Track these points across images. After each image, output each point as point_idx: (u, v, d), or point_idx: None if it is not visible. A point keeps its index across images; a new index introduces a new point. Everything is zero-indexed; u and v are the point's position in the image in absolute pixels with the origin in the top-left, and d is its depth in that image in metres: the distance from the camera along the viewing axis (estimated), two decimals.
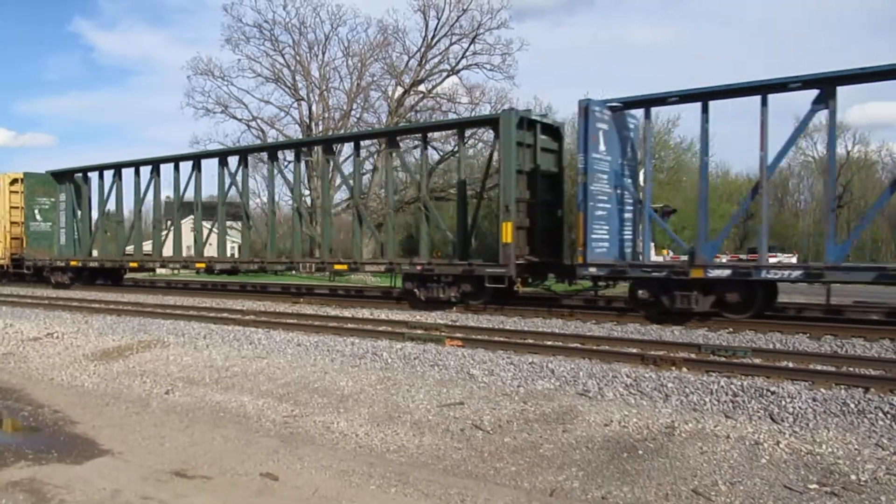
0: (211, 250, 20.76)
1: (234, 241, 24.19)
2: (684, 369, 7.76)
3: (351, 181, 18.34)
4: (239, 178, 19.35)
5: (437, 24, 38.24)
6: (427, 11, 38.03)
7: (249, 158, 19.77)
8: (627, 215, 13.23)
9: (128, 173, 22.20)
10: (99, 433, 6.50)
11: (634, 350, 8.98)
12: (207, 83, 42.46)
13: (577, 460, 5.38)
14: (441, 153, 34.95)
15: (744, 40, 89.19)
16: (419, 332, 10.70)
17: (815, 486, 4.65)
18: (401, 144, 21.17)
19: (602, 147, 12.43)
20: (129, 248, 23.05)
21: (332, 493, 4.83)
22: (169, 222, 23.54)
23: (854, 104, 68.97)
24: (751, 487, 4.68)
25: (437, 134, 28.58)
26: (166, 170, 21.13)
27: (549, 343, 9.64)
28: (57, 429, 6.75)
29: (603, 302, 14.43)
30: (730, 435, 5.61)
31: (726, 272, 11.07)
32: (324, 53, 40.17)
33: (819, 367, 7.69)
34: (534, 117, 14.72)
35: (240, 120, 41.08)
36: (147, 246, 24.18)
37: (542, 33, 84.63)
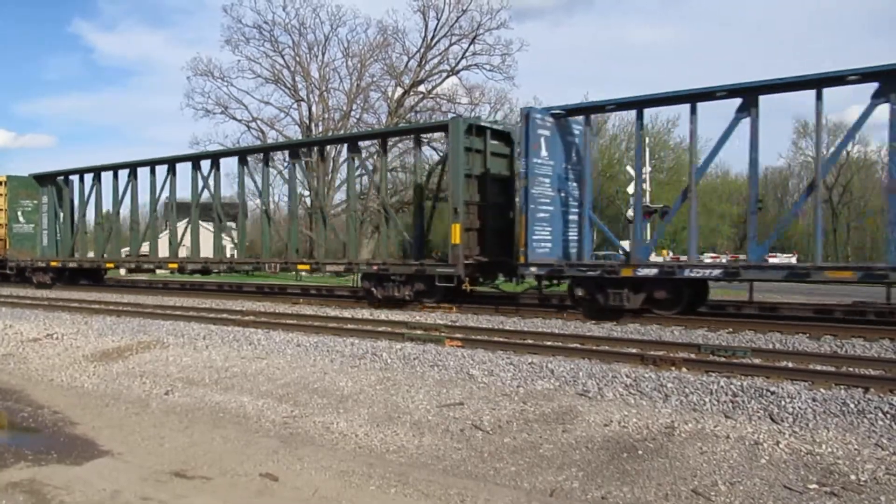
0: (185, 251, 21.48)
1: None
2: (684, 369, 7.76)
3: (316, 184, 18.93)
4: (211, 181, 19.93)
5: (437, 24, 38.32)
6: (427, 12, 38.11)
7: (221, 162, 20.52)
8: (573, 217, 13.77)
9: (107, 176, 22.85)
10: (98, 434, 6.50)
11: (634, 350, 8.98)
12: (207, 84, 42.60)
13: (576, 460, 5.38)
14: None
15: (743, 40, 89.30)
16: (419, 332, 10.70)
17: (814, 486, 4.65)
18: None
19: (544, 152, 13.04)
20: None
21: (332, 493, 4.83)
22: (145, 224, 24.13)
23: (853, 104, 68.92)
24: (750, 487, 4.67)
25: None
26: (143, 173, 21.80)
27: (549, 343, 9.64)
28: (57, 430, 6.75)
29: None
30: (729, 435, 5.61)
31: (653, 271, 11.77)
32: (323, 54, 40.25)
33: (819, 368, 7.69)
34: (483, 124, 15.41)
35: (239, 121, 41.16)
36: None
37: (542, 34, 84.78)
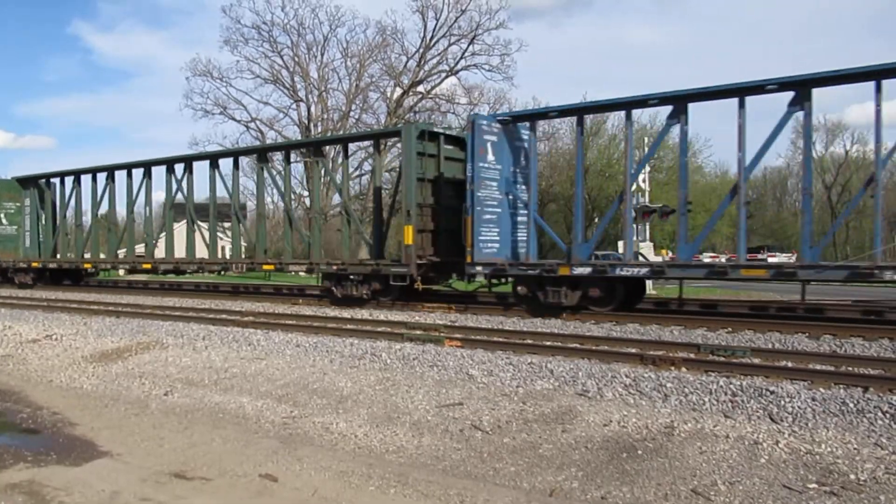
0: (160, 251, 21.85)
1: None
2: (683, 369, 7.76)
3: (283, 187, 19.16)
4: (185, 183, 20.28)
5: (436, 24, 38.35)
6: (425, 12, 38.13)
7: (194, 165, 20.76)
8: (522, 218, 14.19)
9: (86, 179, 23.22)
10: (98, 435, 6.50)
11: (633, 350, 8.98)
12: (206, 84, 42.67)
13: (576, 460, 5.38)
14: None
15: (743, 41, 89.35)
16: (418, 332, 10.70)
17: (814, 485, 4.65)
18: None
19: (490, 157, 13.49)
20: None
21: (332, 493, 4.83)
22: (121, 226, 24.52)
23: (853, 104, 69.03)
24: (750, 487, 4.68)
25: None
26: (120, 176, 22.14)
27: (548, 343, 9.63)
28: (56, 430, 6.74)
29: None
30: (729, 435, 5.61)
31: (587, 270, 12.33)
32: (322, 54, 40.27)
33: (818, 367, 7.69)
34: (436, 130, 16.23)
35: (238, 121, 41.19)
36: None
37: (541, 34, 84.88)
